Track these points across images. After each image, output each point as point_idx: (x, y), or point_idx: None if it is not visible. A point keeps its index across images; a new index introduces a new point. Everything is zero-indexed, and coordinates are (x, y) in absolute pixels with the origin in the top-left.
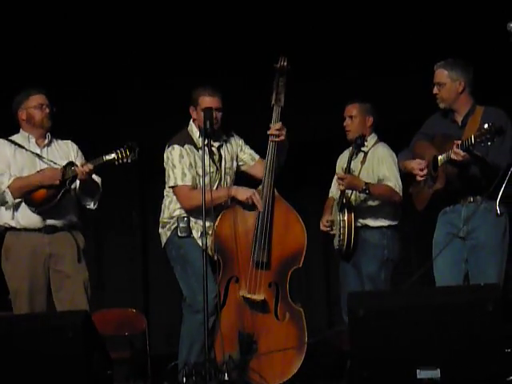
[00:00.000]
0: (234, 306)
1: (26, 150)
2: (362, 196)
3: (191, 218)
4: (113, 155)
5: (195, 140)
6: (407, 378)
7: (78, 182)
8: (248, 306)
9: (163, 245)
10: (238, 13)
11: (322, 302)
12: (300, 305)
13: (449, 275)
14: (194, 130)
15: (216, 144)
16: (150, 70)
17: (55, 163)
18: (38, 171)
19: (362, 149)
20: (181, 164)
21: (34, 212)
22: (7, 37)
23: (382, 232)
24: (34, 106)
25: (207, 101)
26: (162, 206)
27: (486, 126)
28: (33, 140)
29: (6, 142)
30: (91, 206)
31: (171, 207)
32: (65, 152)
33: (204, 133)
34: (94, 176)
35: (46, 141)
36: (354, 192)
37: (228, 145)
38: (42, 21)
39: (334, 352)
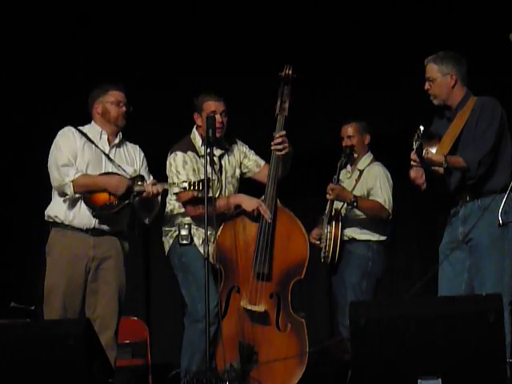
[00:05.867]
0: (235, 316)
1: (96, 146)
2: (351, 209)
3: (192, 225)
4: (185, 184)
5: (197, 148)
6: None
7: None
8: (249, 316)
9: (166, 253)
10: (243, 20)
11: (323, 311)
12: (302, 315)
13: (446, 288)
14: (196, 138)
15: (217, 153)
16: (149, 78)
17: (124, 170)
18: (104, 173)
19: (358, 167)
20: (185, 170)
21: (91, 214)
22: None
23: (367, 245)
24: (112, 101)
25: (212, 105)
26: (164, 213)
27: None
28: (105, 136)
29: (76, 132)
30: (145, 221)
31: (173, 215)
32: (131, 157)
33: (206, 141)
34: None
35: (117, 140)
36: (344, 205)
37: (230, 153)
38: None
39: (335, 361)
